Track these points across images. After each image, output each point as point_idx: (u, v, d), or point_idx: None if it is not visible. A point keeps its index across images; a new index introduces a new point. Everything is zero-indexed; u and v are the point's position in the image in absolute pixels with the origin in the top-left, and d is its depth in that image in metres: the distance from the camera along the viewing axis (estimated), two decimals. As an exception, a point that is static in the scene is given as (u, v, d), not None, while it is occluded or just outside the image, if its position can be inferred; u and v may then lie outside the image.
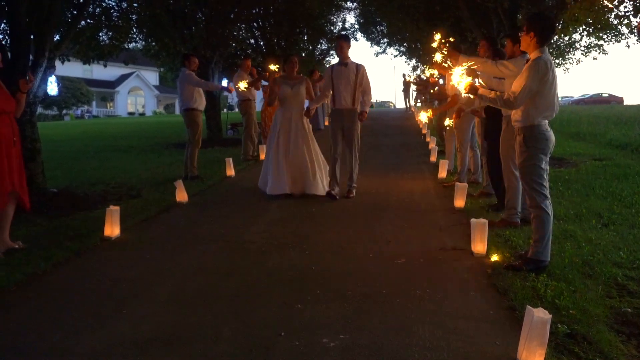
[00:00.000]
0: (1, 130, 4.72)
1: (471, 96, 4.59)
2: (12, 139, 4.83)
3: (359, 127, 7.22)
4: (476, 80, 4.51)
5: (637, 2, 9.29)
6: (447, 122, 8.28)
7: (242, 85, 9.90)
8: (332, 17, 25.48)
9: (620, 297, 3.70)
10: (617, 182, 7.75)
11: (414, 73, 31.22)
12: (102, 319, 3.50)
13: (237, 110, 13.31)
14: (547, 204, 4.19)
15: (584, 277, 4.05)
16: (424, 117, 8.88)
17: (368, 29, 28.73)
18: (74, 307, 3.73)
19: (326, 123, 20.01)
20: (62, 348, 3.11)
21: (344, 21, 27.73)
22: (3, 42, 7.39)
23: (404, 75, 28.49)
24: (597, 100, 47.32)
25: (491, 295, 3.77)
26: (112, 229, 5.42)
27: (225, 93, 12.73)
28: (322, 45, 27.34)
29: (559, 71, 24.49)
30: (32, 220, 6.03)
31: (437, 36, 5.61)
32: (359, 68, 7.09)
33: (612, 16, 10.64)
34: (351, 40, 7.41)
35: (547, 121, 4.26)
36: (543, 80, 4.09)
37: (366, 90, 7.13)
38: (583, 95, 51.81)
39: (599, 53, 18.29)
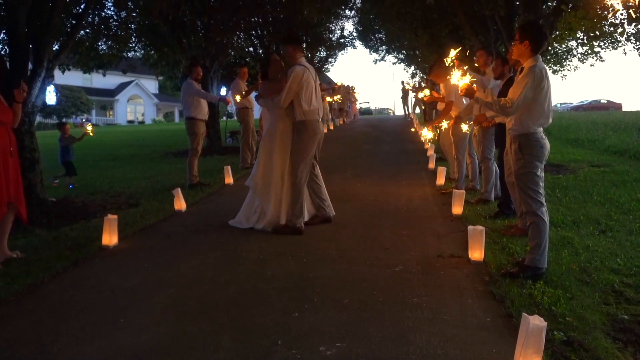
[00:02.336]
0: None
1: (466, 98, 4.65)
2: (9, 150, 4.83)
3: (300, 144, 5.91)
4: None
5: (632, 10, 9.35)
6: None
7: (238, 98, 10.01)
8: (330, 25, 25.59)
9: (617, 304, 3.71)
10: (615, 188, 7.76)
11: (413, 80, 31.35)
12: (101, 329, 3.50)
13: (235, 118, 13.36)
14: (543, 211, 4.21)
15: (581, 284, 4.06)
16: (427, 134, 8.85)
17: (367, 36, 28.87)
18: (73, 317, 3.73)
19: (331, 126, 20.04)
20: (62, 358, 3.12)
21: (342, 29, 27.92)
22: (2, 52, 7.43)
23: (402, 83, 28.63)
24: (595, 106, 47.51)
25: (488, 302, 3.78)
26: (110, 238, 5.43)
27: (230, 105, 12.80)
28: (321, 53, 27.45)
29: (556, 78, 24.68)
30: (31, 231, 6.05)
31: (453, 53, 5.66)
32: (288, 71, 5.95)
33: (607, 24, 10.71)
34: (291, 40, 6.25)
35: (542, 129, 4.29)
36: (538, 88, 4.12)
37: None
38: (581, 102, 52.03)
39: (596, 60, 18.37)
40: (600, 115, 28.10)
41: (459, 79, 4.50)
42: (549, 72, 4.36)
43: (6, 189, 4.78)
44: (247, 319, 3.61)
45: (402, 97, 28.82)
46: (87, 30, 10.78)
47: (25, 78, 6.75)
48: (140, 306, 3.90)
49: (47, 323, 3.65)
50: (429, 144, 12.34)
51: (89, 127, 9.44)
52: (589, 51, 17.69)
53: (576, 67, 21.05)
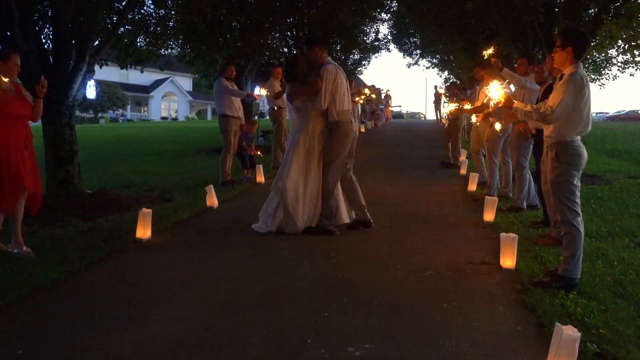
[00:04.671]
0: (15, 133, 4.80)
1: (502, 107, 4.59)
2: (25, 142, 4.90)
3: (332, 145, 5.86)
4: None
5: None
6: (473, 119, 8.34)
7: (264, 91, 10.06)
8: (365, 28, 25.55)
9: (653, 318, 3.64)
10: (652, 201, 7.59)
11: (445, 85, 31.10)
12: (133, 320, 3.58)
13: (268, 118, 13.46)
14: (579, 221, 4.14)
15: (615, 296, 3.99)
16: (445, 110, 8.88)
17: (401, 40, 28.74)
18: (106, 306, 3.82)
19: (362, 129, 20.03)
20: (94, 347, 3.19)
21: (377, 32, 27.82)
22: (46, 47, 7.62)
23: (435, 87, 28.46)
24: (633, 117, 46.36)
25: (519, 311, 3.74)
26: (144, 231, 5.53)
27: (257, 101, 12.91)
28: (355, 55, 27.44)
29: (594, 86, 24.26)
30: (68, 221, 6.20)
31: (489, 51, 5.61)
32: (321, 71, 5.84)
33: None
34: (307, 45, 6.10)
35: (579, 137, 4.23)
36: (579, 95, 4.06)
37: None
38: (619, 112, 50.86)
39: (636, 69, 17.94)
40: (638, 125, 27.44)
41: (497, 89, 4.44)
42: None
43: (22, 180, 4.83)
44: (276, 316, 3.65)
45: (434, 102, 28.62)
46: (127, 27, 10.98)
47: (67, 72, 6.93)
48: (172, 299, 3.97)
49: (81, 311, 3.75)
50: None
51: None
52: (630, 60, 17.29)
53: (615, 76, 20.61)
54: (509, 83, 6.60)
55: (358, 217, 6.14)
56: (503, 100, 4.33)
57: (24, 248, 4.93)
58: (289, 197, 5.81)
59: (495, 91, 4.41)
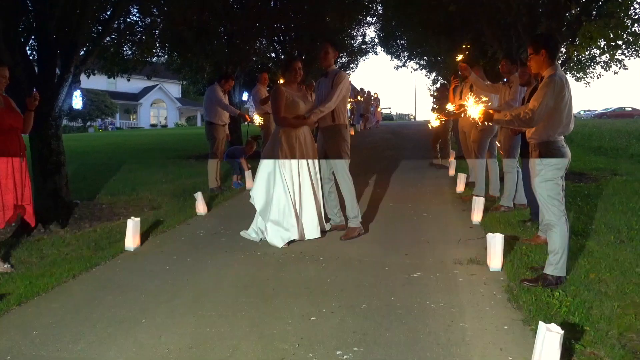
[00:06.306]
0: (9, 146, 4.82)
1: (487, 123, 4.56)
2: (20, 154, 4.93)
3: (344, 147, 5.92)
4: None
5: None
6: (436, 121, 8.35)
7: (258, 119, 10.14)
8: (352, 32, 25.62)
9: (637, 315, 3.68)
10: (638, 197, 7.65)
11: (434, 87, 31.24)
12: (123, 329, 3.59)
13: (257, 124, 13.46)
14: (564, 220, 4.20)
15: (600, 294, 4.04)
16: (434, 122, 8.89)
17: (388, 42, 28.85)
18: (96, 317, 3.82)
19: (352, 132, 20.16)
20: (83, 357, 3.21)
21: (364, 35, 27.88)
22: (30, 57, 7.58)
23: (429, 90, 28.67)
24: (619, 114, 46.77)
25: (506, 310, 3.79)
26: (133, 241, 5.54)
27: (246, 105, 12.91)
28: (342, 58, 27.50)
29: (580, 85, 24.52)
30: (56, 232, 6.18)
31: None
32: (334, 75, 5.84)
33: (630, 33, 10.58)
34: (336, 46, 6.12)
35: (562, 137, 4.29)
36: (559, 96, 4.12)
37: (328, 97, 5.75)
38: (606, 109, 51.29)
39: (620, 68, 18.14)
40: (625, 123, 27.70)
41: (474, 105, 4.44)
42: (570, 80, 4.35)
43: (21, 193, 4.86)
44: (266, 322, 3.67)
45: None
46: (113, 36, 10.97)
47: (53, 83, 6.92)
48: (162, 307, 3.98)
49: (70, 323, 3.74)
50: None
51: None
52: (612, 59, 17.48)
53: (600, 75, 20.82)
54: (480, 91, 6.78)
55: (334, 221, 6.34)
56: (482, 117, 4.34)
57: (4, 265, 4.89)
58: (257, 205, 5.81)
59: (473, 108, 4.41)
